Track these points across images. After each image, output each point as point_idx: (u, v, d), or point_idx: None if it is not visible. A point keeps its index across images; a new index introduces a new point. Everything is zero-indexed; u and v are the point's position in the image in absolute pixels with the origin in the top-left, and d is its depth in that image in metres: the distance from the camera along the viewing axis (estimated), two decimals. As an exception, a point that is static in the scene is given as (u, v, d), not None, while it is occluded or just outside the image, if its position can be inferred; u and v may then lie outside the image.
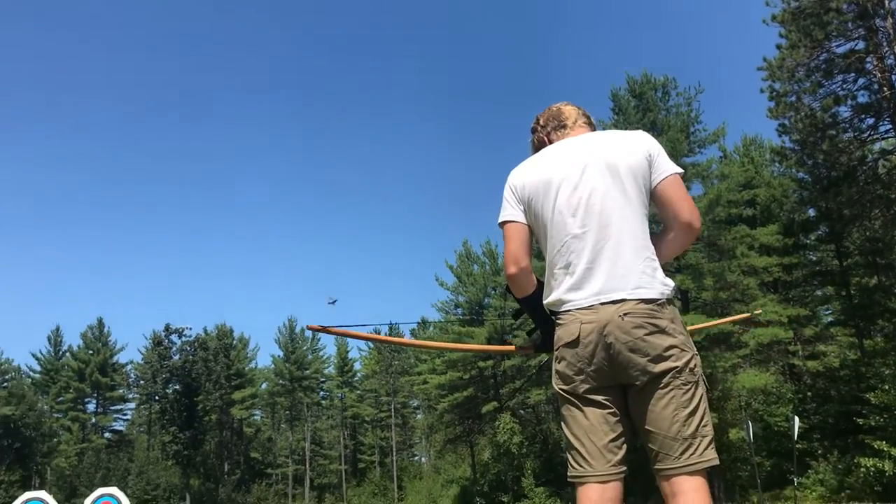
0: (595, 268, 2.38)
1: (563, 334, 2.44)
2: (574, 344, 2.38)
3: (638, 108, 35.31)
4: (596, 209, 2.41)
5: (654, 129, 34.66)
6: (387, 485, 70.82)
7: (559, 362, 2.46)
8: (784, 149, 32.12)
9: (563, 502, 37.49)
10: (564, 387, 2.44)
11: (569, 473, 2.43)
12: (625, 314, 2.31)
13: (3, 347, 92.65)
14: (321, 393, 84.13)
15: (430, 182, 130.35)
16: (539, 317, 2.68)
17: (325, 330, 2.37)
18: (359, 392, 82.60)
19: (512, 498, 44.41)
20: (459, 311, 53.15)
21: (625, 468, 2.35)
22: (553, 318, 2.55)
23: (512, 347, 3.21)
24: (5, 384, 73.59)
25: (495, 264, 51.16)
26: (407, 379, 68.89)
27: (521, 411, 49.48)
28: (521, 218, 2.59)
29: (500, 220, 2.62)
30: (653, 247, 2.45)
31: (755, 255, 33.43)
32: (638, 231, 2.41)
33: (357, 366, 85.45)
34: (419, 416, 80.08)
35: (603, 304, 2.34)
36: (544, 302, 2.59)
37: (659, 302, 2.34)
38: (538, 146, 2.77)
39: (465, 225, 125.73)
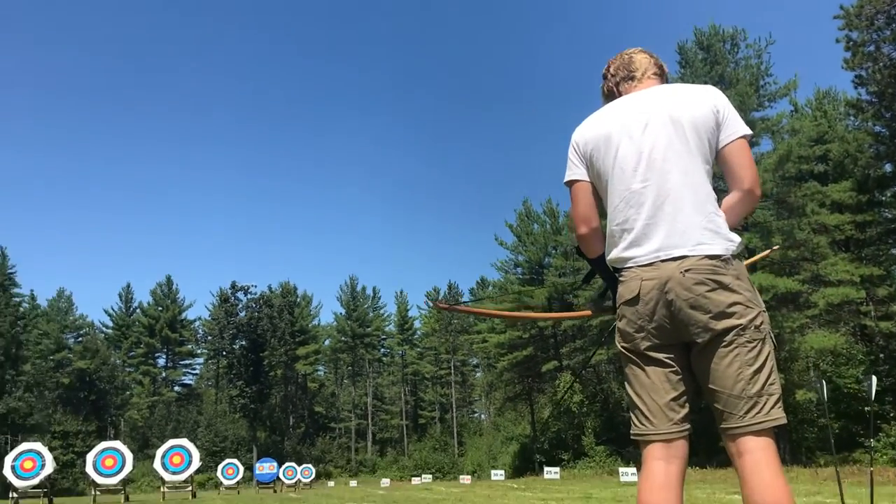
0: (655, 223, 2.32)
1: (623, 292, 2.39)
2: (634, 301, 2.33)
3: (705, 61, 34.27)
4: (657, 164, 2.35)
5: (722, 83, 33.61)
6: (447, 440, 71.86)
7: (621, 320, 2.41)
8: (860, 101, 30.87)
9: (623, 461, 37.43)
10: (626, 345, 2.39)
11: (632, 432, 2.39)
12: (686, 270, 2.24)
13: (77, 304, 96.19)
14: (382, 350, 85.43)
15: (490, 140, 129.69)
16: (609, 276, 2.61)
17: (453, 308, 2.33)
18: (419, 349, 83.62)
19: (572, 456, 44.58)
20: (519, 270, 53.03)
21: (688, 426, 2.30)
22: (616, 275, 2.50)
23: (588, 312, 3.13)
24: (80, 339, 76.64)
25: (556, 223, 50.73)
26: (466, 337, 69.32)
27: (582, 371, 49.36)
28: (585, 176, 2.54)
29: (566, 179, 2.58)
30: (716, 201, 2.37)
31: (826, 212, 32.36)
32: (700, 185, 2.33)
33: (417, 324, 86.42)
34: (478, 374, 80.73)
35: (663, 260, 2.28)
36: (606, 259, 2.53)
37: (723, 258, 2.26)
38: (607, 95, 2.69)
39: (526, 183, 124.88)
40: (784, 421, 2.21)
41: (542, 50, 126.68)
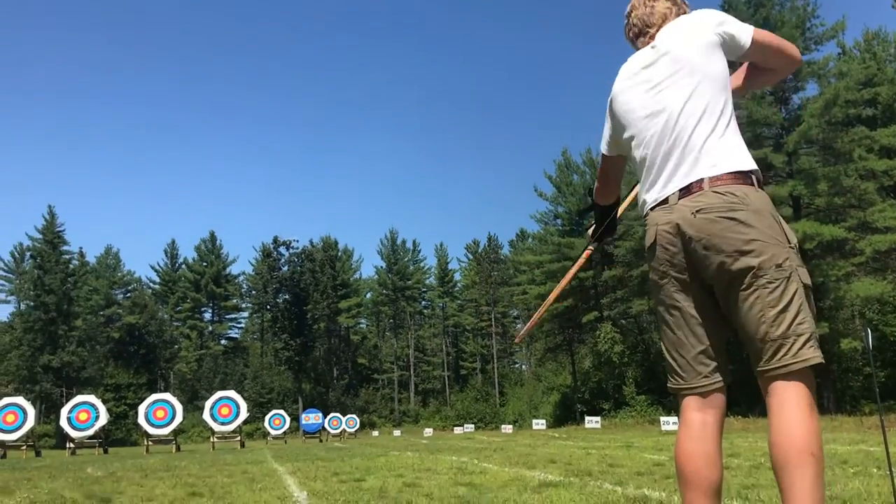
0: (665, 162, 2.30)
1: (645, 241, 2.38)
2: (652, 248, 2.32)
3: (749, 3, 33.27)
4: (664, 105, 2.33)
5: (767, 26, 32.65)
6: (488, 391, 72.54)
7: (650, 271, 2.39)
8: (912, 42, 29.77)
9: (664, 410, 37.53)
10: (655, 295, 2.38)
11: (668, 385, 2.37)
12: (697, 210, 2.17)
13: (125, 261, 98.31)
14: (423, 302, 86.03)
15: (528, 90, 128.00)
16: (604, 216, 2.79)
17: (527, 332, 2.41)
18: (459, 302, 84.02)
19: (613, 405, 44.77)
20: (559, 221, 52.73)
21: (720, 378, 2.25)
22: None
23: (587, 252, 3.14)
24: (129, 295, 78.45)
25: (596, 174, 50.20)
26: (506, 289, 69.44)
27: (623, 321, 49.26)
28: (614, 151, 2.60)
29: (601, 149, 2.69)
30: (734, 128, 2.29)
31: (874, 157, 31.51)
32: (711, 118, 2.26)
33: (457, 276, 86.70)
34: (519, 326, 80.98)
35: (678, 200, 2.23)
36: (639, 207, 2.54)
37: (737, 192, 2.17)
38: (630, 39, 2.67)
39: (565, 133, 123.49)
40: (819, 360, 2.08)
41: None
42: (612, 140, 2.57)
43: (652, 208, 2.35)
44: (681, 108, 2.29)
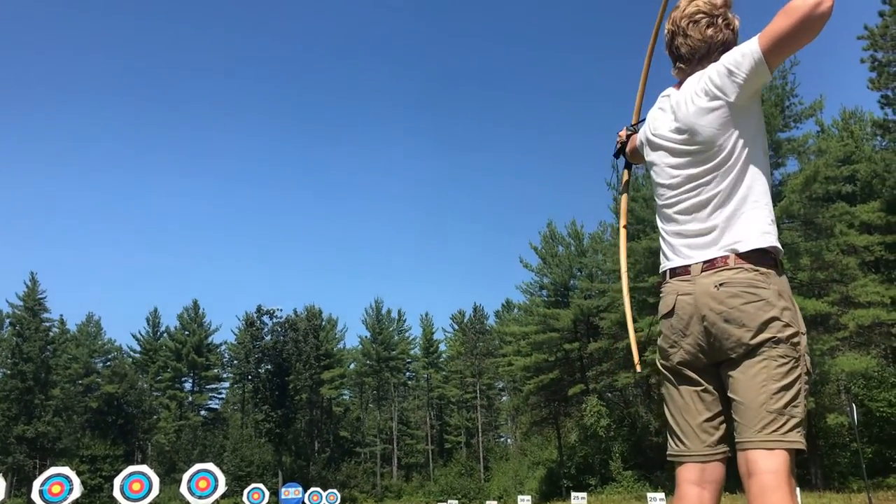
0: (685, 232, 2.29)
1: (661, 306, 2.36)
2: (669, 315, 2.30)
3: (729, 82, 34.14)
4: (677, 182, 2.32)
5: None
6: (473, 465, 71.37)
7: (660, 336, 2.38)
8: (887, 121, 30.60)
9: (652, 486, 36.93)
10: (663, 361, 2.36)
11: (668, 452, 2.34)
12: (720, 284, 2.17)
13: (106, 329, 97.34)
14: (407, 373, 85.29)
15: (515, 162, 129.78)
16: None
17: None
18: (444, 373, 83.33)
19: (599, 481, 44.06)
20: (544, 292, 52.81)
21: (725, 448, 2.23)
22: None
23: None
24: (109, 363, 77.32)
25: (581, 245, 50.55)
26: (492, 361, 68.99)
27: (609, 394, 48.89)
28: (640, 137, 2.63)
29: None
30: (758, 198, 2.23)
31: (855, 233, 31.97)
32: (724, 186, 2.22)
33: (442, 347, 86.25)
34: (504, 398, 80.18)
35: (700, 271, 2.22)
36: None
37: (760, 271, 2.17)
38: (669, 52, 2.51)
39: (549, 205, 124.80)
40: (803, 447, 2.05)
41: (568, 62, 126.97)
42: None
43: (672, 273, 2.33)
44: (700, 184, 2.28)
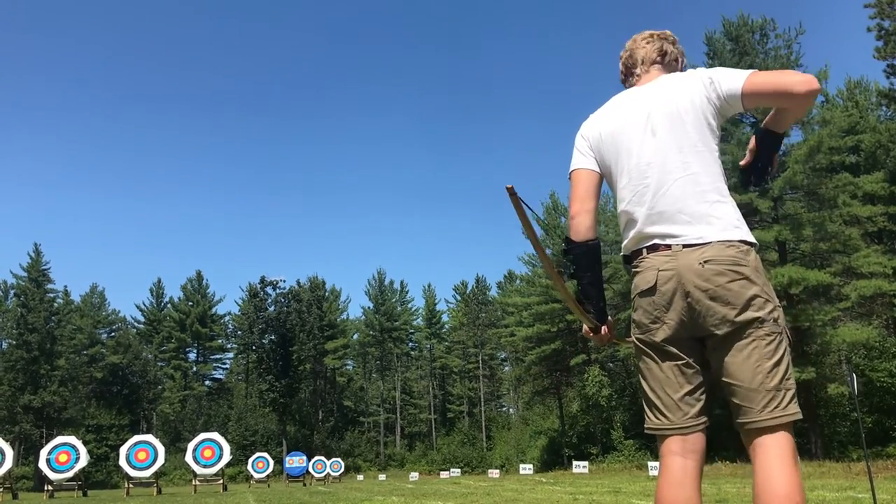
0: (662, 213, 2.31)
1: (639, 282, 2.35)
2: (650, 292, 2.30)
3: (734, 51, 33.87)
4: (661, 157, 2.35)
5: (751, 74, 33.15)
6: (475, 434, 71.91)
7: (636, 311, 2.38)
8: (893, 91, 30.39)
9: (652, 455, 37.24)
10: (641, 336, 2.37)
11: (646, 426, 2.37)
12: (706, 261, 2.21)
13: (110, 300, 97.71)
14: (410, 344, 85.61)
15: (519, 133, 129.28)
16: (588, 268, 2.53)
17: (514, 195, 2.22)
18: (447, 343, 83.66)
19: (601, 450, 44.44)
20: (547, 263, 52.80)
21: (705, 419, 2.28)
22: (629, 266, 2.47)
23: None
24: (113, 334, 77.73)
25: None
26: (494, 331, 69.23)
27: (610, 364, 49.13)
28: (591, 165, 2.55)
29: (571, 168, 2.60)
30: (725, 189, 2.33)
31: (858, 203, 31.88)
32: (704, 177, 2.31)
33: (445, 318, 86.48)
34: (507, 368, 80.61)
35: (682, 248, 2.25)
36: (622, 249, 2.51)
37: (741, 248, 2.23)
38: (622, 79, 2.74)
39: (552, 176, 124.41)
40: (800, 417, 2.16)
41: (571, 41, 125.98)
42: (585, 162, 2.56)
43: (648, 249, 2.34)
44: (676, 164, 2.33)
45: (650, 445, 40.50)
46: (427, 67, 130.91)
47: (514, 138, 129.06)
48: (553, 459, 49.11)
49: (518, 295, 55.08)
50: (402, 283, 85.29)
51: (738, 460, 27.42)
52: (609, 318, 2.57)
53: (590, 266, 2.53)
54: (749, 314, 2.18)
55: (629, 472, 33.68)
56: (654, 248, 2.33)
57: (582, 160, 2.57)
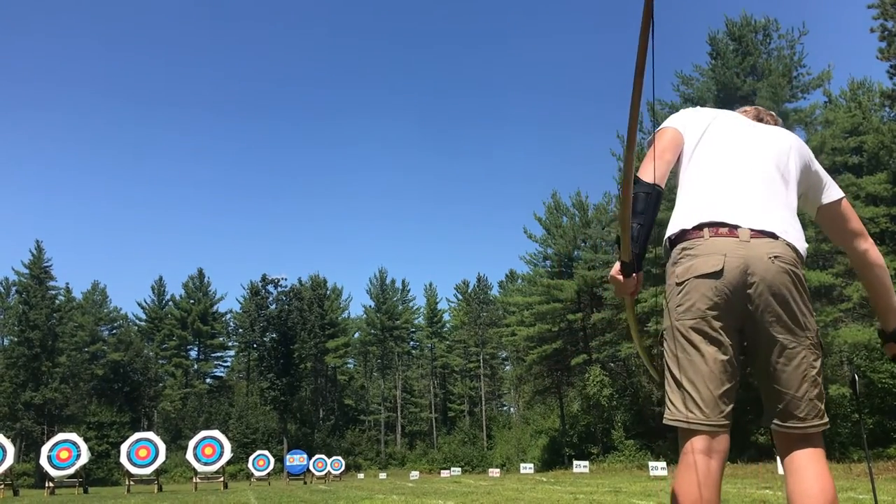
0: (747, 200, 2.31)
1: (699, 265, 2.23)
2: (717, 276, 2.19)
3: (737, 52, 33.84)
4: (747, 161, 2.41)
5: (754, 74, 33.19)
6: (476, 434, 71.86)
7: (686, 295, 2.25)
8: (895, 92, 30.26)
9: (653, 455, 37.22)
10: (691, 322, 2.22)
11: (671, 417, 2.23)
12: (775, 257, 2.21)
13: (111, 297, 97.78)
14: (411, 343, 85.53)
15: (521, 132, 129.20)
16: (645, 213, 2.32)
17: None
18: (448, 342, 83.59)
19: (601, 450, 44.41)
20: (548, 263, 52.81)
21: (730, 421, 2.21)
22: (676, 247, 2.35)
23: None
24: (115, 331, 77.73)
25: (585, 216, 50.44)
26: (495, 330, 69.19)
27: (612, 364, 49.08)
28: (682, 129, 2.54)
29: (661, 126, 2.57)
30: (795, 211, 2.46)
31: (861, 204, 31.78)
32: (783, 195, 2.41)
33: (446, 317, 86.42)
34: (508, 368, 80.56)
35: (750, 238, 2.22)
36: (672, 229, 2.40)
37: (799, 256, 2.31)
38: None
39: (554, 176, 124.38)
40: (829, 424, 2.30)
41: (571, 41, 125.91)
42: (679, 124, 2.58)
43: (711, 231, 2.27)
44: (768, 171, 2.42)
45: (651, 445, 40.47)
46: (429, 67, 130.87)
47: (514, 138, 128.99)
48: (554, 459, 49.08)
49: (519, 294, 55.06)
50: (403, 281, 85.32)
51: (738, 461, 27.41)
52: (641, 271, 2.35)
53: (646, 210, 2.33)
54: (805, 321, 2.26)
55: (630, 472, 33.65)
56: (716, 232, 2.26)
57: (674, 122, 2.59)
